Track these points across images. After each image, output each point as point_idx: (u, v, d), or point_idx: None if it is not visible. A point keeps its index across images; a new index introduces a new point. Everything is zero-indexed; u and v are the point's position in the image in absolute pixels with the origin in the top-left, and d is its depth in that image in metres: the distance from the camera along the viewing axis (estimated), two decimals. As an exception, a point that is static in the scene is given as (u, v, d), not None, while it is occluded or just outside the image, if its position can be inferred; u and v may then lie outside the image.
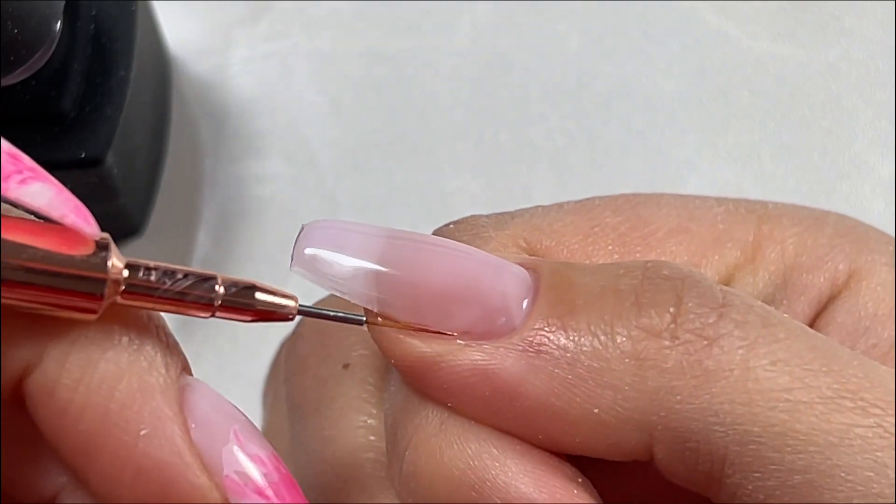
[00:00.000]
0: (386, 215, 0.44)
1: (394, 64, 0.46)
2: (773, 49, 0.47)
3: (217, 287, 0.20)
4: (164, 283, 0.20)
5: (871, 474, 0.19)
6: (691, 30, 0.47)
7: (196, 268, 0.21)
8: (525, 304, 0.21)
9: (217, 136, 0.45)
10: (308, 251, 0.21)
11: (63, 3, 0.35)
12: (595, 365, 0.20)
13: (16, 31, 0.33)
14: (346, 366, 0.26)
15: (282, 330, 0.42)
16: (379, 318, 0.21)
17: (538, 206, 0.25)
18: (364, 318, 0.21)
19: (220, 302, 0.20)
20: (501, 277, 0.21)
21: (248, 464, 0.21)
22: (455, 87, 0.46)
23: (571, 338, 0.21)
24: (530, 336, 0.21)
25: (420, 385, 0.22)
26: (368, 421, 0.25)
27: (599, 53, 0.47)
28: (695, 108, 0.46)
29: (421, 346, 0.21)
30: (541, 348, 0.21)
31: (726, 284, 0.24)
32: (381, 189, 0.45)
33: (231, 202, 0.44)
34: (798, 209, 0.25)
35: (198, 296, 0.20)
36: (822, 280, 0.24)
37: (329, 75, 0.46)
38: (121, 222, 0.42)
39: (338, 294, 0.21)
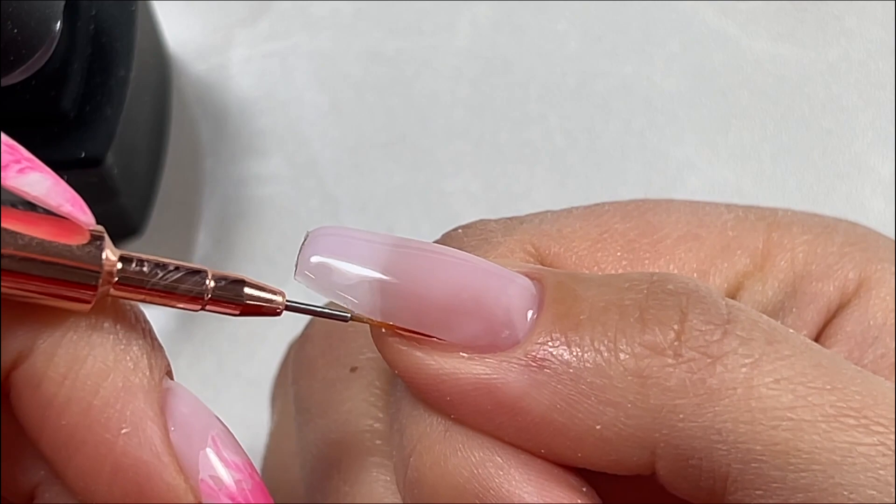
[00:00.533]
0: (386, 215, 0.44)
1: (394, 64, 0.46)
2: (773, 49, 0.47)
3: (207, 281, 0.21)
4: (156, 275, 0.21)
5: (874, 492, 0.19)
6: (691, 30, 0.47)
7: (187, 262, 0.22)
8: (529, 315, 0.21)
9: (217, 136, 0.45)
10: (314, 259, 0.21)
11: (63, 3, 0.35)
12: (598, 381, 0.20)
13: (16, 31, 0.33)
14: (353, 369, 0.26)
15: (282, 330, 0.42)
16: (364, 316, 0.21)
17: (547, 211, 0.24)
18: (350, 315, 0.22)
19: (209, 295, 0.21)
20: (506, 289, 0.21)
21: (223, 469, 0.21)
22: (455, 87, 0.46)
23: (574, 353, 0.21)
24: (533, 350, 0.21)
25: (423, 397, 0.22)
26: (375, 425, 0.25)
27: (599, 53, 0.47)
28: (695, 108, 0.46)
29: (424, 359, 0.21)
30: (544, 363, 0.21)
31: (735, 292, 0.24)
32: (381, 189, 0.45)
33: (231, 202, 0.44)
34: (808, 217, 0.25)
35: (188, 289, 0.21)
36: (831, 289, 0.24)
37: (329, 75, 0.46)
38: (121, 222, 0.42)
39: (340, 303, 0.21)
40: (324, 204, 0.44)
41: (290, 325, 0.40)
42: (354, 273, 0.21)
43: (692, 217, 0.24)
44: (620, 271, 0.24)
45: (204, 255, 0.44)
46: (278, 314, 0.22)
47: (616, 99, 0.46)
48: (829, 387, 0.20)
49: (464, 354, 0.21)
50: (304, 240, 0.21)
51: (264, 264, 0.43)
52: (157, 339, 0.22)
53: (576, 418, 0.21)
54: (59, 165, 0.37)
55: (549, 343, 0.21)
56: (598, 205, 0.25)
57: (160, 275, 0.21)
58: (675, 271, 0.24)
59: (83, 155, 0.37)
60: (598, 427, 0.20)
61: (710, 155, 0.45)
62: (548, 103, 0.46)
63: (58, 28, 0.35)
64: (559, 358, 0.21)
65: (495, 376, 0.21)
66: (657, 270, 0.24)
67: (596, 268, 0.24)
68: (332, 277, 0.21)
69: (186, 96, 0.46)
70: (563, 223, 0.24)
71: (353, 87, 0.46)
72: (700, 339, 0.20)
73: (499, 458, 0.21)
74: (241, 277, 0.21)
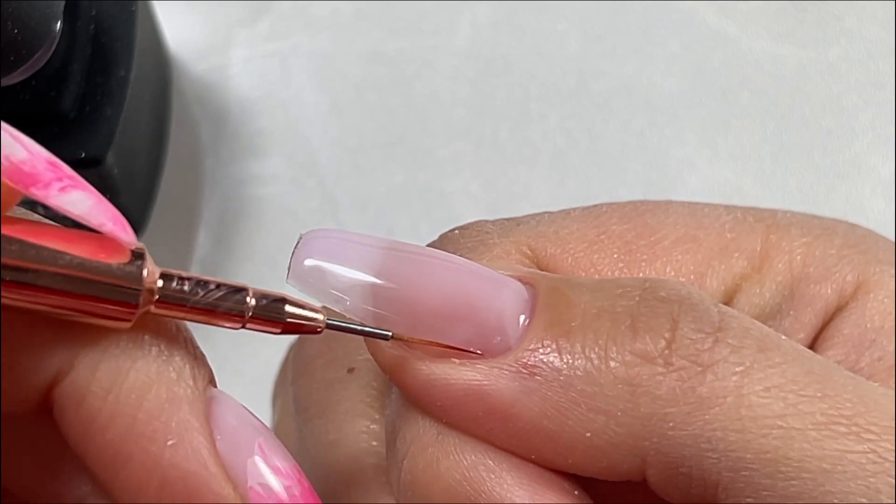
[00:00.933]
0: (386, 216, 0.44)
1: (394, 64, 0.46)
2: (773, 49, 0.47)
3: (248, 299, 0.21)
4: (197, 293, 0.20)
5: (864, 500, 0.19)
6: (691, 30, 0.47)
7: (225, 278, 0.21)
8: (522, 320, 0.21)
9: (217, 136, 0.45)
10: (308, 262, 0.21)
11: (63, 3, 0.35)
12: (588, 389, 0.20)
13: (16, 31, 0.33)
14: (350, 370, 0.26)
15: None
16: (405, 335, 0.21)
17: (545, 213, 0.24)
18: (390, 334, 0.21)
19: (250, 314, 0.21)
20: (499, 295, 0.21)
21: (272, 476, 0.21)
22: (455, 87, 0.46)
23: (565, 360, 0.21)
24: (524, 357, 0.21)
25: (415, 401, 0.22)
26: (371, 426, 0.25)
27: (599, 53, 0.47)
28: (695, 108, 0.46)
29: (416, 364, 0.21)
30: (534, 370, 0.21)
31: (733, 294, 0.24)
32: (381, 189, 0.45)
33: (231, 202, 0.44)
34: (807, 218, 0.25)
35: (229, 307, 0.20)
36: (829, 291, 0.24)
37: (329, 75, 0.46)
38: (121, 222, 0.42)
39: (333, 307, 0.21)
40: (324, 204, 0.44)
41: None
42: (347, 276, 0.21)
43: (690, 219, 0.24)
44: (617, 273, 0.24)
45: (204, 256, 0.44)
46: (319, 332, 0.21)
47: (616, 99, 0.46)
48: (820, 394, 0.20)
49: (455, 360, 0.21)
50: (297, 242, 0.21)
51: (264, 264, 0.44)
52: (198, 348, 0.21)
53: (566, 425, 0.20)
54: (59, 165, 0.37)
55: (540, 350, 0.21)
56: (595, 206, 0.24)
57: (201, 293, 0.20)
58: (672, 273, 0.24)
59: (83, 155, 0.37)
60: (588, 434, 0.20)
61: (710, 155, 0.45)
62: (548, 103, 0.46)
63: (58, 28, 0.35)
64: (550, 365, 0.21)
65: (486, 382, 0.21)
66: (654, 272, 0.24)
67: (592, 269, 0.24)
68: (325, 280, 0.21)
69: (186, 96, 0.46)
70: (560, 225, 0.24)
71: (353, 87, 0.46)
72: (691, 348, 0.20)
73: (490, 462, 0.21)
74: (282, 295, 0.21)
